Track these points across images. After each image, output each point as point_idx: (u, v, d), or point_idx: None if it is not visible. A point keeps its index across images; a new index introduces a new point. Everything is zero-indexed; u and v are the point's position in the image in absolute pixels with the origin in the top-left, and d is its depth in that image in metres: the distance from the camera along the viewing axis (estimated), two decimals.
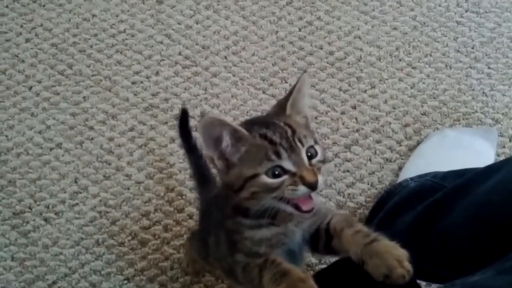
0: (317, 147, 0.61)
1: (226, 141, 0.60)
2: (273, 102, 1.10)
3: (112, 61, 1.17)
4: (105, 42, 1.19)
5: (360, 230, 0.61)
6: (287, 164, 0.59)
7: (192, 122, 1.08)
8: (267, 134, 0.60)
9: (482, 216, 0.69)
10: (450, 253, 0.73)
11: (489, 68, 1.14)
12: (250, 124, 0.63)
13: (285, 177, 0.59)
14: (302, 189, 0.58)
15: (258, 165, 0.59)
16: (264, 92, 1.13)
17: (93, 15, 1.23)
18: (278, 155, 0.58)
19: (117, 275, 0.94)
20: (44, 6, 1.25)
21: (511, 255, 0.55)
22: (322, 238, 0.64)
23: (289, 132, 0.60)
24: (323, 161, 0.61)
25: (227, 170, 0.61)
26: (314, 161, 0.60)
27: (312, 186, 0.58)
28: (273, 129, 0.60)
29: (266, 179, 0.59)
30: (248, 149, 0.60)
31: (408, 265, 0.56)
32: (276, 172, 0.59)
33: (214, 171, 0.82)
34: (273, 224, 0.63)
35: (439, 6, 1.22)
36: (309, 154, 0.60)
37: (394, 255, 0.56)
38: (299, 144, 0.59)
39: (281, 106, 0.64)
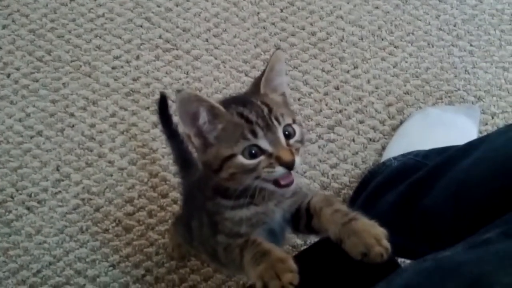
0: (295, 127, 0.61)
1: (203, 117, 0.59)
2: None
3: (92, 46, 1.15)
4: (83, 27, 1.17)
5: (339, 209, 0.60)
6: (263, 143, 0.58)
7: (174, 107, 1.07)
8: (243, 113, 0.59)
9: (462, 193, 0.69)
10: (433, 231, 0.73)
11: (471, 45, 1.14)
12: (227, 102, 0.62)
13: (261, 158, 0.58)
14: (279, 170, 0.58)
15: (234, 145, 0.58)
16: (246, 75, 1.12)
17: (71, 0, 1.21)
18: (254, 134, 0.58)
19: (102, 262, 0.94)
20: None
21: (482, 230, 0.55)
22: (302, 218, 0.64)
23: (266, 110, 0.59)
24: (301, 142, 0.61)
25: (205, 148, 0.61)
26: (291, 141, 0.60)
27: (289, 166, 0.58)
28: (250, 108, 0.59)
29: (242, 160, 0.58)
30: (225, 127, 0.59)
31: (386, 243, 0.56)
32: (253, 151, 0.58)
33: (195, 154, 0.82)
34: (252, 204, 0.62)
35: None
36: (286, 132, 0.59)
37: (372, 233, 0.56)
38: (275, 122, 0.59)
39: (256, 85, 0.63)
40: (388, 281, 0.53)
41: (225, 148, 0.58)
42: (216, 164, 0.59)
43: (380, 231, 0.57)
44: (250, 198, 0.61)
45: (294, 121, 0.61)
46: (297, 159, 0.58)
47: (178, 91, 0.59)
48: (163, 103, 0.86)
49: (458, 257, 0.51)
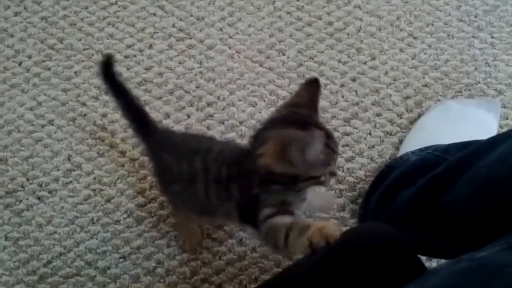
0: None
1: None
2: (271, 75, 1.07)
3: (104, 34, 1.13)
4: (96, 14, 1.16)
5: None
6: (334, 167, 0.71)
7: (187, 97, 1.06)
8: (330, 144, 0.69)
9: (487, 189, 0.66)
10: (454, 227, 0.71)
11: (492, 37, 1.10)
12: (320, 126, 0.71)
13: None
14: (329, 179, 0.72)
15: (323, 169, 0.69)
16: (261, 65, 1.09)
17: None
18: (334, 160, 0.70)
19: (113, 253, 0.93)
20: None
21: None
22: None
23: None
24: None
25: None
26: None
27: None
28: (332, 139, 0.70)
29: (322, 178, 0.70)
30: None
31: (329, 231, 0.61)
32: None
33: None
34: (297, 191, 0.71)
35: None
36: None
37: (317, 225, 0.63)
38: None
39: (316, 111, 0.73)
40: (420, 283, 0.51)
41: (315, 170, 0.68)
42: (301, 178, 0.68)
43: (324, 223, 0.63)
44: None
45: None
46: None
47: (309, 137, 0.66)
48: (108, 63, 0.83)
49: (497, 257, 0.49)
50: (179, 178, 0.78)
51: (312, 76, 0.78)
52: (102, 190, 0.98)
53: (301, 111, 0.71)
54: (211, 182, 0.74)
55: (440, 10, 1.14)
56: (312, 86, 0.73)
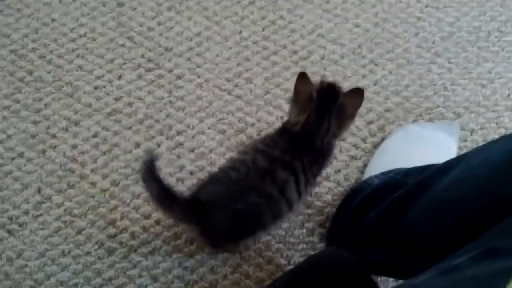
0: None
1: None
2: (239, 103, 1.10)
3: (73, 66, 1.15)
4: (65, 47, 1.17)
5: None
6: None
7: (157, 126, 1.08)
8: None
9: (442, 212, 0.70)
10: (411, 249, 0.74)
11: (449, 63, 1.16)
12: None
13: None
14: None
15: None
16: (229, 93, 1.12)
17: (53, 20, 1.21)
18: None
19: (84, 286, 0.93)
20: (1, 11, 1.21)
21: (456, 254, 0.55)
22: None
23: None
24: None
25: None
26: None
27: None
28: None
29: None
30: None
31: None
32: None
33: None
34: None
35: (400, 2, 1.23)
36: None
37: None
38: None
39: None
40: None
41: None
42: None
43: None
44: None
45: None
46: None
47: None
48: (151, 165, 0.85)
49: (431, 284, 0.51)
50: (268, 202, 0.85)
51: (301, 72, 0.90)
52: (72, 221, 0.98)
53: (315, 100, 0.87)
54: (300, 176, 0.86)
55: (399, 37, 1.19)
56: (304, 79, 0.88)
